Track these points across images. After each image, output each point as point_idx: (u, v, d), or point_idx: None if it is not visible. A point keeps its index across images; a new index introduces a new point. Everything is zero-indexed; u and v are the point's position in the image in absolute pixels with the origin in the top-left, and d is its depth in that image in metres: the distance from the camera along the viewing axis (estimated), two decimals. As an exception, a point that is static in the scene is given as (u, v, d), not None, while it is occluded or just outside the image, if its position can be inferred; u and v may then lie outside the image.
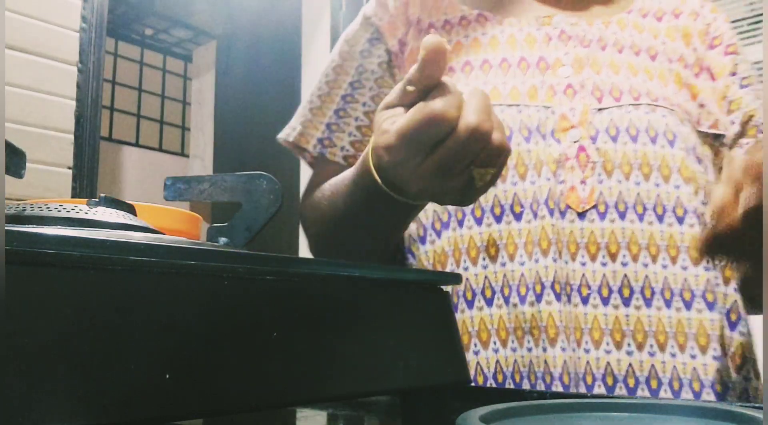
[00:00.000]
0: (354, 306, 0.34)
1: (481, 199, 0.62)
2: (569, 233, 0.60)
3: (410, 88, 0.43)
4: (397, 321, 0.37)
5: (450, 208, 0.64)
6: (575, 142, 0.62)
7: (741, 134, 0.68)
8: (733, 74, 0.69)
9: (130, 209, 0.36)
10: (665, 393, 0.57)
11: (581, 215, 0.60)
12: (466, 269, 0.63)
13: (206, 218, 1.20)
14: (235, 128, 2.98)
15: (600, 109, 0.63)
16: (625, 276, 0.59)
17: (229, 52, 3.20)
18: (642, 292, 0.59)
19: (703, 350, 0.58)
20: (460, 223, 0.63)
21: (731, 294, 0.62)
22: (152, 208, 0.64)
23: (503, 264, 0.61)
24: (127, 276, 0.24)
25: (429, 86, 0.42)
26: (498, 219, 0.61)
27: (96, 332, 0.22)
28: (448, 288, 0.43)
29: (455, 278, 0.44)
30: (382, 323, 0.35)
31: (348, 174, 0.58)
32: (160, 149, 3.42)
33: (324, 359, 0.31)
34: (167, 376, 0.24)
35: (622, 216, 0.60)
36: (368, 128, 0.69)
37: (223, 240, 0.36)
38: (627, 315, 0.58)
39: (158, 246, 0.25)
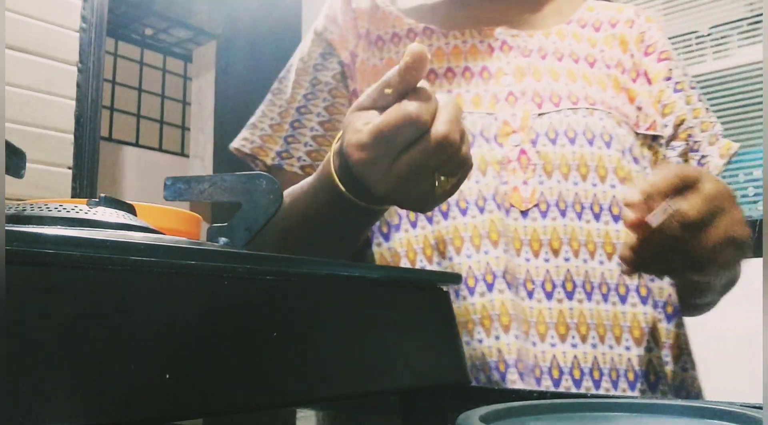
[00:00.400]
0: (354, 306, 0.34)
1: None
2: (513, 230, 0.63)
3: (388, 91, 0.43)
4: (397, 321, 0.37)
5: (401, 210, 0.66)
6: (516, 145, 0.65)
7: (673, 137, 0.71)
8: (668, 79, 0.72)
9: (130, 209, 0.36)
10: (606, 384, 0.60)
11: (524, 213, 0.63)
12: (423, 268, 0.65)
13: (206, 218, 1.20)
14: (235, 128, 2.97)
15: (540, 115, 0.66)
16: (568, 271, 0.62)
17: (229, 52, 3.20)
18: (583, 287, 0.62)
19: (637, 342, 0.61)
20: (413, 224, 0.65)
21: (666, 287, 0.65)
22: (152, 208, 0.64)
23: (450, 259, 0.63)
24: (127, 276, 0.24)
25: (406, 90, 0.43)
26: (445, 215, 0.64)
27: (96, 332, 0.22)
28: (447, 288, 0.43)
29: (455, 278, 0.44)
30: (382, 323, 0.35)
31: (307, 182, 0.58)
32: (160, 149, 3.42)
33: (324, 359, 0.31)
34: (167, 376, 0.24)
35: (563, 214, 0.63)
36: (323, 138, 0.72)
37: (223, 240, 0.36)
38: (571, 309, 0.61)
39: (158, 246, 0.25)
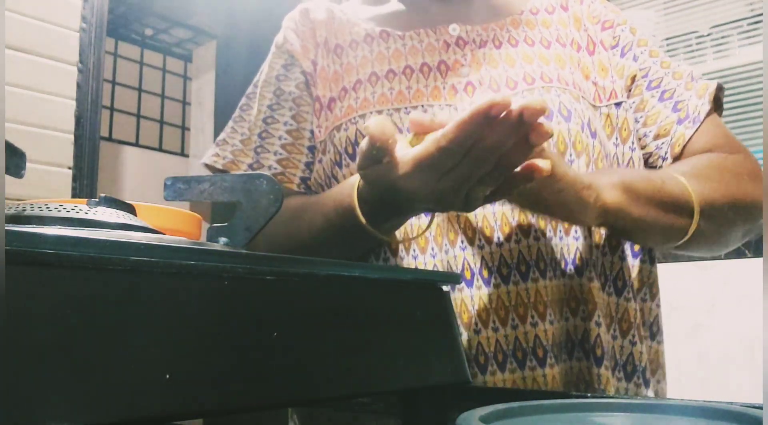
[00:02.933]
0: (354, 306, 0.34)
1: None
2: (482, 219, 0.63)
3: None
4: (397, 321, 0.37)
5: None
6: None
7: (628, 97, 0.71)
8: (614, 47, 0.73)
9: (130, 209, 0.36)
10: (550, 360, 0.60)
11: None
12: (386, 261, 0.66)
13: (206, 218, 1.20)
14: (235, 128, 2.96)
15: None
16: (539, 250, 0.63)
17: (229, 52, 3.20)
18: (537, 265, 0.63)
19: (574, 312, 0.63)
20: None
21: (617, 261, 0.66)
22: (152, 208, 0.64)
23: (415, 258, 0.64)
24: (127, 276, 0.24)
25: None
26: None
27: (96, 332, 0.22)
28: (447, 288, 0.43)
29: (455, 278, 0.44)
30: (382, 323, 0.35)
31: (318, 206, 0.63)
32: (160, 149, 3.42)
33: (324, 359, 0.31)
34: (167, 376, 0.24)
35: None
36: (292, 146, 0.74)
37: (223, 240, 0.36)
38: (527, 289, 0.62)
39: (158, 246, 0.25)
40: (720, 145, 0.67)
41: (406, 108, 0.68)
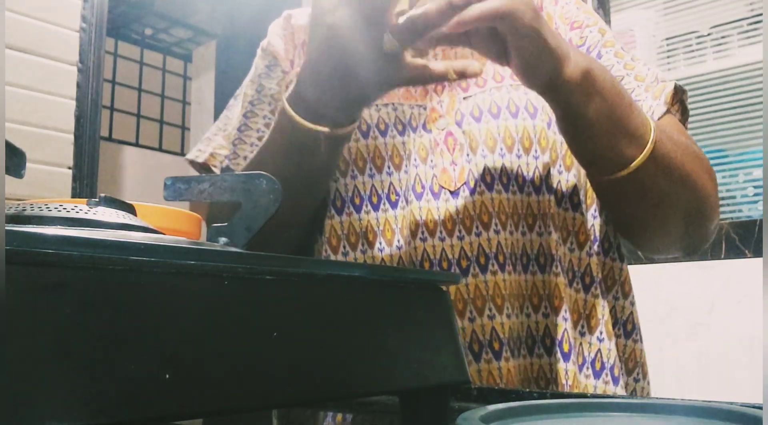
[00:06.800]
0: (354, 306, 0.34)
1: (359, 187, 0.68)
2: (444, 212, 0.64)
3: None
4: (397, 321, 0.37)
5: (328, 197, 0.69)
6: (443, 129, 0.68)
7: None
8: (580, 46, 0.73)
9: (130, 209, 0.36)
10: (506, 354, 0.61)
11: (454, 193, 0.65)
12: (345, 255, 0.67)
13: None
14: (235, 128, 2.96)
15: (465, 98, 0.69)
16: (498, 243, 0.63)
17: (229, 52, 3.20)
18: (511, 258, 0.63)
19: (536, 309, 0.63)
20: (339, 211, 0.68)
21: (584, 258, 0.67)
22: (152, 208, 0.64)
23: (381, 250, 0.65)
24: (127, 276, 0.24)
25: None
26: (375, 207, 0.66)
27: (96, 332, 0.22)
28: (447, 288, 0.43)
29: (455, 278, 0.44)
30: (382, 323, 0.35)
31: (269, 132, 0.65)
32: (160, 149, 3.42)
33: (324, 359, 0.31)
34: (167, 376, 0.24)
35: (490, 187, 0.65)
36: None
37: (223, 240, 0.36)
38: (504, 280, 0.63)
39: (158, 246, 0.25)
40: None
41: (377, 106, 0.70)
